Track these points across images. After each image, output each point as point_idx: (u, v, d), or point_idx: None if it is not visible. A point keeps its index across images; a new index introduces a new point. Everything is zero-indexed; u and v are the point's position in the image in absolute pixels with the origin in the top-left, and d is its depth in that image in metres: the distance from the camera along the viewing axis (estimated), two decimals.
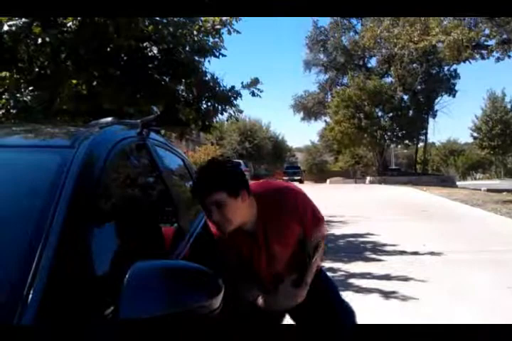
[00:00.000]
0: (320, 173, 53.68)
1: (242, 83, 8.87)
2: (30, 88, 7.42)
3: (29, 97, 7.57)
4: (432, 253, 7.22)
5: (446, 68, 35.64)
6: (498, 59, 19.73)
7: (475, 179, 61.50)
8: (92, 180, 1.42)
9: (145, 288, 1.15)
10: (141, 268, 1.20)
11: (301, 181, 36.57)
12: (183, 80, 8.59)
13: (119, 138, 1.79)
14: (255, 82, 8.82)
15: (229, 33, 8.60)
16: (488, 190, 23.01)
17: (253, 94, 8.93)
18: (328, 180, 42.49)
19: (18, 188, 1.35)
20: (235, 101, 8.95)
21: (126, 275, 1.16)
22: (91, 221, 1.29)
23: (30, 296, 0.99)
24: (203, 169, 2.03)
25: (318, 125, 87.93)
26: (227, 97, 8.80)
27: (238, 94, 8.87)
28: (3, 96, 7.35)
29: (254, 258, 2.12)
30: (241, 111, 9.63)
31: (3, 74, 7.62)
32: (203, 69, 8.97)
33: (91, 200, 1.35)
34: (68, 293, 1.08)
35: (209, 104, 9.15)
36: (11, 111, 7.71)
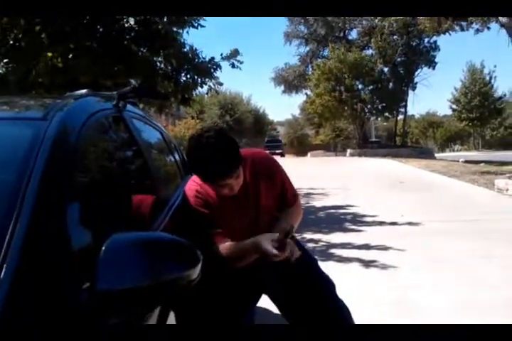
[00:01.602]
0: (301, 147, 53.77)
1: (221, 54, 8.76)
2: (5, 60, 7.24)
3: (4, 69, 7.40)
4: (410, 224, 7.34)
5: (426, 40, 35.55)
6: (477, 31, 19.73)
7: (453, 151, 62.18)
8: (66, 153, 1.39)
9: (121, 259, 1.15)
10: (117, 241, 1.19)
11: (282, 154, 36.61)
12: (161, 52, 8.44)
13: (94, 110, 1.75)
14: (235, 53, 8.70)
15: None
16: (466, 162, 23.31)
17: (233, 65, 8.82)
18: (309, 154, 42.63)
19: None
20: (214, 74, 8.84)
21: (102, 248, 1.15)
22: (65, 195, 1.27)
23: (2, 275, 0.97)
24: (209, 149, 1.88)
25: (299, 98, 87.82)
26: (206, 69, 8.69)
27: (218, 66, 8.76)
28: None
29: (235, 222, 2.10)
30: (221, 84, 9.54)
31: None
32: (182, 40, 8.82)
33: (65, 174, 1.32)
34: (43, 270, 1.06)
35: (188, 76, 9.03)
36: None
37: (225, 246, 2.04)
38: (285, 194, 2.23)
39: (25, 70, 7.76)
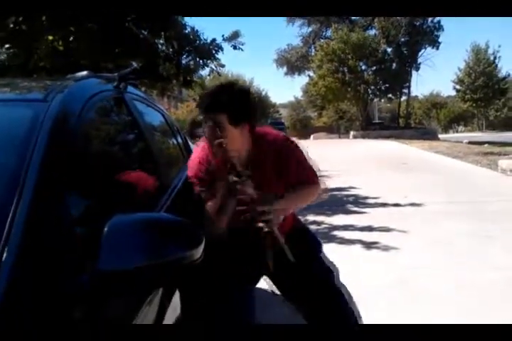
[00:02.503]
0: (304, 129, 53.54)
1: (223, 36, 8.70)
2: (6, 46, 7.20)
3: (5, 55, 7.37)
4: (412, 205, 7.34)
5: (429, 20, 35.15)
6: None
7: (457, 132, 61.90)
8: (67, 134, 1.39)
9: (123, 240, 1.15)
10: (119, 221, 1.20)
11: None
12: (162, 34, 8.38)
13: (94, 92, 1.75)
14: (236, 34, 8.65)
15: None
16: (470, 143, 23.25)
17: (235, 47, 8.77)
18: (311, 136, 42.49)
19: None
20: (216, 55, 8.79)
21: (105, 229, 1.16)
22: (66, 177, 1.28)
23: (4, 258, 0.97)
24: (219, 87, 2.05)
25: (301, 80, 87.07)
26: (208, 51, 8.64)
27: (219, 48, 8.71)
28: None
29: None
30: (223, 66, 9.50)
31: None
32: (183, 22, 8.75)
33: (65, 156, 1.32)
34: (45, 251, 1.07)
35: (190, 58, 8.99)
36: None
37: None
38: (300, 174, 2.18)
39: (26, 55, 7.73)
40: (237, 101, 1.98)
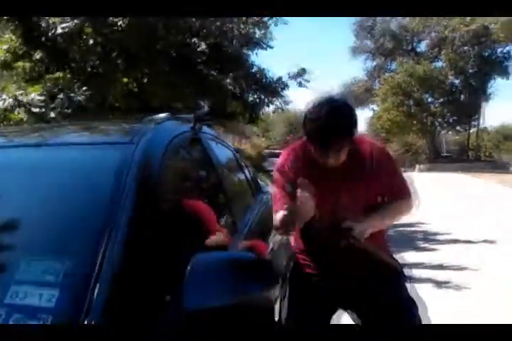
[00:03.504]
0: None
1: (288, 74, 8.86)
2: (84, 88, 7.65)
3: (83, 97, 7.81)
4: (485, 241, 7.06)
5: (499, 50, 34.38)
6: None
7: None
8: (153, 174, 1.48)
9: (206, 279, 1.19)
10: (202, 260, 1.23)
11: None
12: (231, 74, 8.65)
13: (174, 134, 1.84)
14: (302, 72, 8.78)
15: (275, 24, 8.59)
16: None
17: (300, 84, 8.90)
18: None
19: (83, 184, 1.42)
20: (281, 93, 8.95)
21: (188, 267, 1.20)
22: (155, 214, 1.35)
23: (96, 294, 1.03)
24: (334, 107, 1.88)
25: (365, 113, 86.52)
26: (274, 89, 8.82)
27: (285, 85, 8.87)
28: (58, 96, 7.60)
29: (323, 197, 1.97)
30: (288, 103, 9.65)
31: (57, 74, 7.89)
32: (250, 61, 9.01)
33: (153, 195, 1.40)
34: (134, 288, 1.13)
35: (256, 96, 9.20)
36: (66, 110, 7.98)
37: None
38: (392, 186, 2.13)
39: (102, 96, 8.17)
40: (354, 120, 1.90)
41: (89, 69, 8.27)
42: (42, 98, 7.30)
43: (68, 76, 8.04)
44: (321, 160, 1.95)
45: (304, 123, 1.92)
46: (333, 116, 1.84)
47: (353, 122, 1.89)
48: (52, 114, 7.36)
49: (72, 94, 7.67)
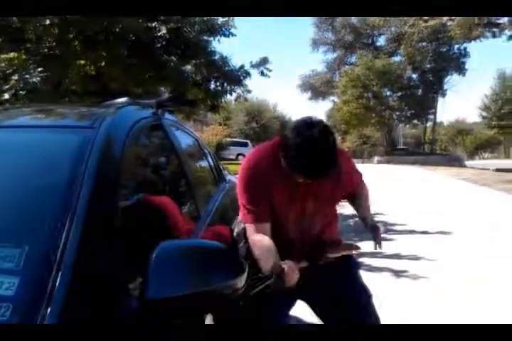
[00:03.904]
0: None
1: (251, 62, 8.82)
2: (39, 69, 7.39)
3: (38, 78, 7.55)
4: (441, 233, 7.23)
5: (456, 46, 35.19)
6: (510, 37, 19.41)
7: (483, 158, 61.15)
8: (113, 160, 1.42)
9: (170, 267, 1.15)
10: (166, 248, 1.20)
11: None
12: (192, 60, 8.54)
13: (136, 119, 1.78)
14: (264, 61, 8.75)
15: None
16: (497, 170, 22.89)
17: (262, 73, 8.87)
18: None
19: (41, 168, 1.36)
20: (244, 81, 8.91)
21: (152, 256, 1.16)
22: (115, 200, 1.30)
23: (57, 284, 0.99)
24: (321, 144, 1.78)
25: (325, 105, 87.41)
26: (236, 77, 8.76)
27: (247, 74, 8.82)
28: (12, 78, 7.33)
29: (283, 207, 2.01)
30: (249, 91, 9.62)
31: (12, 55, 7.59)
32: (212, 48, 8.91)
33: (113, 181, 1.34)
34: (96, 276, 1.08)
35: (217, 84, 9.12)
36: (20, 92, 7.70)
37: (255, 235, 1.95)
38: (358, 181, 2.25)
39: (58, 79, 7.92)
40: (336, 146, 1.84)
41: (45, 51, 8.00)
42: None
43: (23, 57, 7.75)
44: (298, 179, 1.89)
45: (285, 154, 1.82)
46: (319, 151, 1.76)
47: (336, 151, 1.83)
48: (6, 96, 7.10)
49: (27, 76, 7.41)
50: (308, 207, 2.04)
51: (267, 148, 2.04)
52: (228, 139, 34.52)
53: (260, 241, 1.94)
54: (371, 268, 5.24)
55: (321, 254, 2.09)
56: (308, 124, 1.81)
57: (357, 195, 2.29)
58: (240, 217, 2.09)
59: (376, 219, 8.40)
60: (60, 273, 0.99)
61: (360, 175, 2.28)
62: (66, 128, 1.61)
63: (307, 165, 1.78)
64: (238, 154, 32.68)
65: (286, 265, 1.82)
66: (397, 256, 5.84)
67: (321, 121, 1.87)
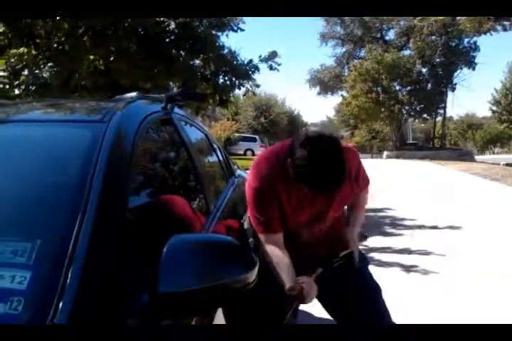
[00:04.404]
0: None
1: (259, 56, 8.78)
2: (49, 64, 7.41)
3: (48, 74, 7.57)
4: (451, 227, 7.20)
5: (466, 40, 34.90)
6: None
7: (493, 153, 60.70)
8: (124, 154, 1.41)
9: (182, 262, 1.15)
10: (177, 243, 1.19)
11: None
12: (201, 55, 8.52)
13: (146, 113, 1.78)
14: (273, 55, 8.71)
15: None
16: (507, 165, 22.73)
17: (271, 67, 8.83)
18: None
19: (53, 162, 1.36)
20: (252, 76, 8.87)
21: (163, 250, 1.16)
22: (125, 195, 1.29)
23: (68, 280, 0.98)
24: (330, 157, 1.76)
25: (334, 99, 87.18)
26: (244, 71, 8.73)
27: (256, 68, 8.79)
28: (23, 73, 7.36)
29: (296, 212, 2.03)
30: (258, 86, 9.58)
31: (21, 50, 7.62)
32: (221, 43, 8.88)
33: (124, 174, 1.34)
34: (107, 273, 1.08)
35: (226, 78, 9.09)
36: (30, 87, 7.74)
37: (269, 246, 1.99)
38: (359, 181, 2.18)
39: (68, 74, 7.93)
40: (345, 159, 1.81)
41: (54, 46, 8.01)
42: (5, 74, 7.05)
43: (33, 52, 7.77)
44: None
45: (293, 167, 1.80)
46: (329, 167, 1.74)
47: (345, 163, 1.80)
48: (17, 91, 7.13)
49: (37, 71, 7.44)
50: (316, 211, 2.06)
51: (274, 153, 2.02)
52: (237, 134, 34.51)
53: (276, 255, 1.97)
54: (380, 264, 5.22)
55: (333, 258, 2.09)
56: (318, 140, 1.80)
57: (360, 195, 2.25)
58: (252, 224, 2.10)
59: (385, 214, 8.41)
60: (71, 268, 0.99)
61: (365, 173, 2.23)
62: (76, 122, 1.61)
63: (316, 181, 1.78)
64: (247, 149, 32.70)
65: (305, 284, 1.88)
66: (406, 251, 5.83)
67: (330, 136, 1.86)
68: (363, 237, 2.28)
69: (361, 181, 2.19)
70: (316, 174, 1.75)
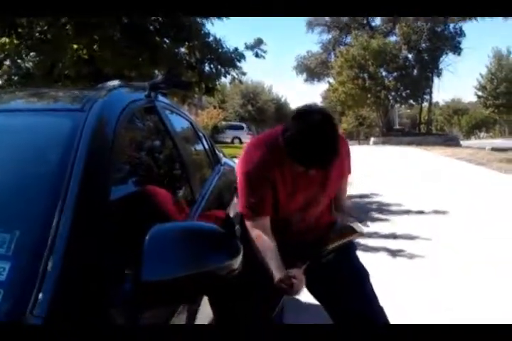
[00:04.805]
0: None
1: (245, 44, 8.74)
2: (32, 54, 7.31)
3: (31, 64, 7.48)
4: (437, 212, 7.26)
5: (451, 26, 34.92)
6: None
7: (479, 138, 61.14)
8: (105, 143, 1.40)
9: (164, 249, 1.14)
10: (160, 231, 1.19)
11: None
12: (186, 43, 8.44)
13: (128, 101, 1.76)
14: (259, 42, 8.66)
15: None
16: (493, 149, 22.90)
17: (257, 55, 8.79)
18: None
19: (31, 152, 1.34)
20: (238, 63, 8.82)
21: (146, 238, 1.15)
22: (106, 185, 1.28)
23: (49, 267, 0.98)
24: (323, 132, 1.74)
25: (321, 86, 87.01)
26: (230, 59, 8.67)
27: (241, 56, 8.73)
28: (5, 63, 7.25)
29: (289, 196, 2.01)
30: (244, 74, 9.53)
31: (3, 40, 7.50)
32: (206, 31, 8.80)
33: (105, 164, 1.33)
34: (89, 261, 1.07)
35: (212, 66, 9.03)
36: (13, 77, 7.63)
37: (255, 230, 1.97)
38: (345, 175, 2.18)
39: (51, 63, 7.84)
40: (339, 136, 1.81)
41: (37, 35, 7.90)
42: None
43: (15, 41, 7.65)
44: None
45: (287, 144, 1.79)
46: (322, 141, 1.73)
47: (337, 136, 1.80)
48: (0, 81, 7.03)
49: (19, 61, 7.33)
50: (311, 195, 2.04)
51: (266, 138, 2.01)
52: (224, 123, 34.40)
53: (263, 241, 1.95)
54: (367, 249, 5.26)
55: (321, 246, 2.07)
56: (309, 113, 1.78)
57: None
58: (239, 209, 2.08)
59: (372, 200, 8.45)
60: (51, 258, 0.98)
61: (349, 159, 2.21)
62: (56, 111, 1.58)
63: (310, 156, 1.76)
64: (234, 137, 32.62)
65: (296, 277, 1.86)
66: (392, 236, 5.87)
67: (321, 109, 1.84)
68: (357, 233, 2.24)
69: (346, 164, 2.18)
70: (309, 147, 1.73)
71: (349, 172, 2.23)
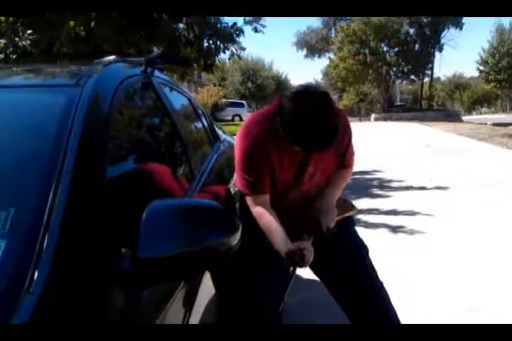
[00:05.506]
0: None
1: (244, 19, 8.61)
2: (28, 31, 7.20)
3: (28, 42, 7.37)
4: (438, 188, 7.26)
5: None
6: None
7: (480, 113, 60.79)
8: (100, 119, 1.37)
9: (162, 226, 1.13)
10: (157, 207, 1.17)
11: None
12: (183, 18, 8.32)
13: (124, 76, 1.72)
14: (258, 17, 8.54)
15: None
16: (494, 124, 22.81)
17: (256, 30, 8.68)
18: None
19: (26, 129, 1.32)
20: (237, 39, 8.71)
21: (143, 215, 1.14)
22: (102, 161, 1.26)
23: (45, 246, 0.96)
24: (321, 115, 1.69)
25: (321, 62, 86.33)
26: (229, 34, 8.56)
27: (240, 31, 8.62)
28: (1, 41, 7.15)
29: (285, 174, 1.98)
30: (243, 49, 9.44)
31: None
32: None
33: (101, 140, 1.31)
34: (86, 239, 1.06)
35: (211, 42, 8.92)
36: (10, 56, 7.54)
37: (257, 207, 1.96)
38: (346, 154, 2.11)
39: (48, 41, 7.73)
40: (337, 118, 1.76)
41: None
42: None
43: (11, 19, 7.53)
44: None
45: (283, 126, 1.74)
46: (320, 124, 1.67)
47: (336, 118, 1.75)
48: None
49: (16, 39, 7.23)
50: (309, 173, 2.00)
51: (265, 114, 1.96)
52: (224, 100, 34.21)
53: (266, 217, 1.93)
54: (367, 225, 5.28)
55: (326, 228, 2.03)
56: (306, 95, 1.73)
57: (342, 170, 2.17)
58: (237, 186, 2.06)
59: (373, 176, 8.46)
60: (47, 235, 0.97)
61: (352, 152, 2.15)
62: (50, 87, 1.55)
63: (308, 140, 1.72)
64: (234, 115, 32.49)
65: (306, 248, 1.84)
66: (393, 212, 5.89)
67: (319, 90, 1.79)
68: (353, 208, 2.23)
69: (350, 152, 2.13)
70: (307, 131, 1.69)
71: (351, 161, 2.18)
